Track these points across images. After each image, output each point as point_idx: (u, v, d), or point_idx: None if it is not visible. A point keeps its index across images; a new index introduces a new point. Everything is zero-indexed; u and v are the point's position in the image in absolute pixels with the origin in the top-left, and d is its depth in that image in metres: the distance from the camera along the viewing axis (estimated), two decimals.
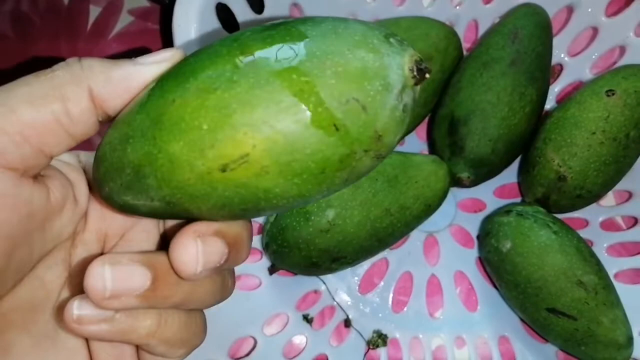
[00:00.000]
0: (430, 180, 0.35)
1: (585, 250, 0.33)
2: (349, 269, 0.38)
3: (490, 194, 0.41)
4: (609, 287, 0.32)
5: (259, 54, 0.15)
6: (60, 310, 0.19)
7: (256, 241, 0.37)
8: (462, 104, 0.36)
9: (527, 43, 0.37)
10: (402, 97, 0.15)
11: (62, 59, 0.17)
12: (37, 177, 0.17)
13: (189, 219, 0.17)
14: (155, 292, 0.16)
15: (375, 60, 0.15)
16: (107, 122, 0.18)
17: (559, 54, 0.41)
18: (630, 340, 0.32)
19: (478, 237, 0.40)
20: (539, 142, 0.36)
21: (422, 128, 0.42)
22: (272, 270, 0.37)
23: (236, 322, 0.36)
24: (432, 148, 0.40)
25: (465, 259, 0.40)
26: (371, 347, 0.37)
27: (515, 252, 0.34)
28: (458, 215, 0.41)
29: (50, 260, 0.19)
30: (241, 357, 0.36)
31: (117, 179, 0.17)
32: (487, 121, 0.35)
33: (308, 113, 0.14)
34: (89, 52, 0.46)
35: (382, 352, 0.37)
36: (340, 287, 0.39)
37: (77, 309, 0.16)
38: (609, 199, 0.39)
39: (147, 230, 0.21)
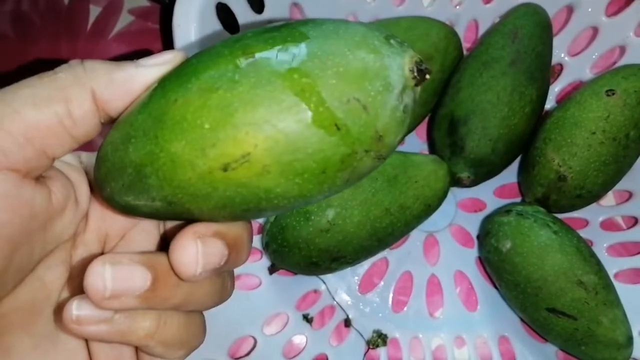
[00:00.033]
0: (430, 180, 0.35)
1: (585, 250, 0.33)
2: (349, 268, 0.38)
3: (490, 194, 0.41)
4: (608, 287, 0.32)
5: (260, 54, 0.15)
6: (59, 310, 0.19)
7: (256, 241, 0.37)
8: (462, 104, 0.36)
9: (527, 43, 0.37)
10: (403, 98, 0.15)
11: (63, 60, 0.17)
12: (38, 178, 0.17)
13: (190, 219, 0.17)
14: (155, 292, 0.16)
15: (376, 61, 0.15)
16: (109, 123, 0.18)
17: (559, 54, 0.41)
18: (630, 340, 0.32)
19: (478, 236, 0.40)
20: (539, 142, 0.36)
21: (422, 128, 0.42)
22: (272, 269, 0.37)
23: (236, 322, 0.36)
24: (432, 148, 0.40)
25: (465, 259, 0.40)
26: (371, 346, 0.37)
27: (515, 251, 0.34)
28: (458, 215, 0.41)
29: (50, 260, 0.19)
30: (241, 357, 0.36)
31: (119, 179, 0.17)
32: (487, 121, 0.35)
33: (309, 112, 0.14)
34: (89, 51, 0.46)
35: (382, 351, 0.37)
36: (340, 286, 0.39)
37: (76, 309, 0.16)
38: (609, 199, 0.39)
39: (147, 231, 0.21)
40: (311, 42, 0.15)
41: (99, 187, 0.18)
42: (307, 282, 0.38)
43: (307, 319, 0.37)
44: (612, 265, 0.36)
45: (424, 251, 0.40)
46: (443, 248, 0.40)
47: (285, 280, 0.38)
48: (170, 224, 0.21)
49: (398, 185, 0.33)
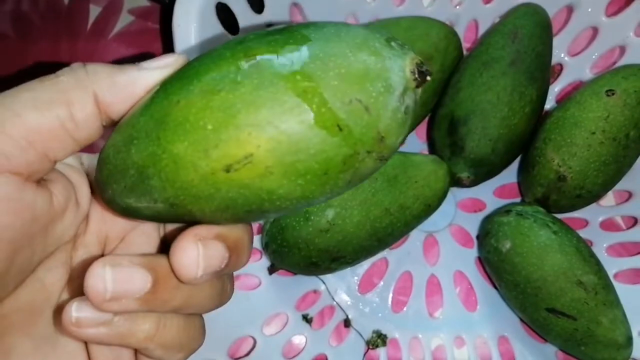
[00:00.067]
0: (430, 180, 0.35)
1: (584, 250, 0.33)
2: (349, 268, 0.38)
3: (490, 194, 0.41)
4: (608, 287, 0.32)
5: (262, 56, 0.15)
6: (59, 312, 0.19)
7: (256, 241, 0.37)
8: (462, 104, 0.36)
9: (527, 43, 0.37)
10: (404, 99, 0.15)
11: (64, 64, 0.17)
12: (39, 181, 0.17)
13: (191, 222, 0.17)
14: (155, 295, 0.16)
15: (377, 63, 0.15)
16: (111, 126, 0.18)
17: (559, 54, 0.41)
18: (629, 340, 0.32)
19: (478, 237, 0.40)
20: (538, 142, 0.36)
21: (422, 128, 0.42)
22: (271, 270, 0.37)
23: (236, 322, 0.36)
24: (432, 148, 0.40)
25: (464, 259, 0.40)
26: (371, 347, 0.37)
27: (514, 252, 0.34)
28: (458, 215, 0.41)
29: (51, 262, 0.19)
30: (241, 357, 0.36)
31: (121, 181, 0.17)
32: (487, 121, 0.35)
33: (312, 113, 0.14)
34: (89, 51, 0.46)
35: (381, 352, 0.37)
36: (340, 286, 0.39)
37: (76, 311, 0.16)
38: (608, 199, 0.39)
39: (147, 234, 0.21)
40: (313, 44, 0.15)
41: (100, 189, 0.18)
42: (307, 282, 0.38)
43: (307, 319, 0.37)
44: (612, 266, 0.36)
45: (424, 251, 0.40)
46: (443, 248, 0.40)
47: (284, 280, 0.38)
48: (171, 227, 0.21)
49: (398, 185, 0.33)
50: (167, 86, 0.16)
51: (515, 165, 0.40)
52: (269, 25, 0.37)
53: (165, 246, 0.21)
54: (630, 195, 0.39)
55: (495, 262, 0.35)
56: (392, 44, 0.16)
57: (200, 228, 0.17)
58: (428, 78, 0.15)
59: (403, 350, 0.37)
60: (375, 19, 0.42)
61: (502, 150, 0.36)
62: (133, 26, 0.47)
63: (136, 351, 0.19)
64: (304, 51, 0.15)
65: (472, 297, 0.39)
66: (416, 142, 0.42)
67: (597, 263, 0.33)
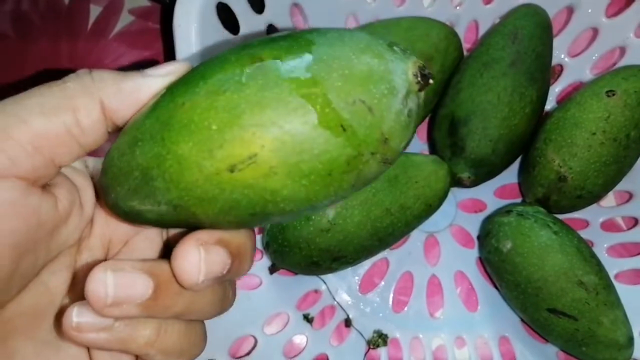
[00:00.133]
0: (431, 180, 0.35)
1: (585, 251, 0.33)
2: (350, 268, 0.38)
3: (491, 194, 0.41)
4: (609, 288, 0.32)
5: (267, 60, 0.15)
6: (60, 317, 0.19)
7: (257, 240, 0.37)
8: (462, 105, 0.36)
9: (528, 43, 0.37)
10: (407, 102, 0.15)
11: (64, 64, 0.17)
12: (45, 186, 0.17)
13: (194, 226, 0.17)
14: (157, 301, 0.16)
15: (380, 65, 0.15)
16: (115, 132, 0.18)
17: (559, 55, 0.41)
18: (630, 340, 0.32)
19: (478, 237, 0.40)
20: (539, 143, 0.36)
21: (423, 128, 0.42)
22: (272, 269, 0.37)
23: (237, 322, 0.36)
24: (433, 148, 0.40)
25: (465, 259, 0.40)
26: (371, 346, 0.37)
27: (515, 252, 0.34)
28: (458, 216, 0.41)
29: (55, 266, 0.19)
30: (241, 357, 0.36)
31: (125, 183, 0.17)
32: (487, 121, 0.35)
33: (315, 114, 0.14)
34: (89, 51, 0.46)
35: (382, 351, 0.37)
36: (341, 286, 0.39)
37: (77, 316, 0.16)
38: (609, 200, 0.39)
39: (150, 239, 0.21)
40: (317, 48, 0.15)
41: (104, 193, 0.18)
42: (308, 282, 0.38)
43: (308, 318, 0.37)
44: (613, 266, 0.36)
45: (425, 251, 0.40)
46: (443, 248, 0.40)
47: (285, 280, 0.38)
48: (174, 231, 0.21)
49: (398, 186, 0.33)
50: (172, 89, 0.17)
51: (515, 165, 0.40)
52: (270, 25, 0.37)
53: (168, 250, 0.21)
54: (630, 195, 0.39)
55: (496, 263, 0.35)
56: (395, 48, 0.16)
57: (202, 233, 0.17)
58: (430, 81, 0.16)
59: (404, 350, 0.37)
60: (376, 20, 0.42)
61: (503, 150, 0.36)
62: (133, 26, 0.47)
63: (137, 357, 0.19)
64: (308, 55, 0.15)
65: (473, 297, 0.39)
66: (417, 143, 0.42)
67: (598, 263, 0.33)
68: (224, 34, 0.33)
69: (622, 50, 0.40)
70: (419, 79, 0.16)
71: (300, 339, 0.37)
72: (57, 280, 0.19)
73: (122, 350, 0.17)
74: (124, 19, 0.47)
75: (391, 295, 0.39)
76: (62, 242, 0.19)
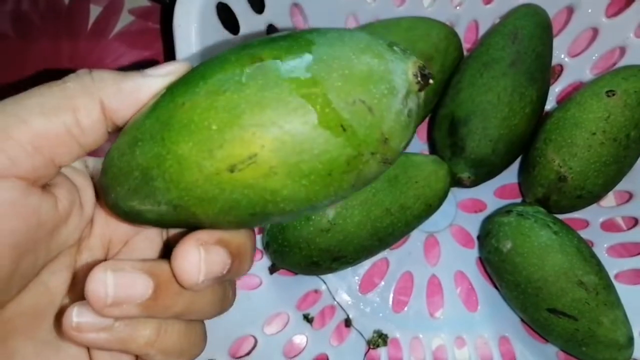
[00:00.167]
0: (431, 180, 0.35)
1: (585, 251, 0.33)
2: (350, 268, 0.38)
3: (491, 194, 0.41)
4: (609, 288, 0.32)
5: (267, 60, 0.15)
6: (60, 317, 0.19)
7: (257, 240, 0.37)
8: (462, 105, 0.36)
9: (528, 43, 0.37)
10: (407, 102, 0.15)
11: (64, 64, 0.17)
12: (45, 186, 0.17)
13: (194, 226, 0.17)
14: (157, 301, 0.16)
15: (380, 65, 0.15)
16: (115, 132, 0.18)
17: (559, 55, 0.41)
18: (630, 340, 0.32)
19: (478, 237, 0.40)
20: (539, 143, 0.36)
21: (423, 128, 0.42)
22: (272, 269, 0.37)
23: (236, 322, 0.36)
24: (433, 148, 0.40)
25: (465, 259, 0.40)
26: (371, 346, 0.37)
27: (515, 252, 0.34)
28: (458, 216, 0.41)
29: (55, 265, 0.19)
30: (241, 357, 0.36)
31: (125, 183, 0.17)
32: (487, 121, 0.35)
33: (315, 114, 0.14)
34: (89, 51, 0.46)
35: (382, 351, 0.37)
36: (341, 286, 0.39)
37: (76, 316, 0.16)
38: (609, 200, 0.39)
39: (150, 239, 0.21)
40: (317, 48, 0.15)
41: (104, 193, 0.18)
42: (308, 282, 0.38)
43: (308, 318, 0.37)
44: (613, 266, 0.36)
45: (425, 251, 0.40)
46: (443, 248, 0.40)
47: (285, 280, 0.38)
48: (174, 231, 0.21)
49: (398, 185, 0.33)
50: (172, 89, 0.17)
51: (515, 165, 0.40)
52: (270, 25, 0.37)
53: (168, 250, 0.21)
54: (630, 196, 0.39)
55: (496, 263, 0.35)
56: (395, 48, 0.16)
57: (202, 233, 0.17)
58: (430, 81, 0.16)
59: (404, 350, 0.37)
60: (376, 20, 0.42)
61: (503, 150, 0.36)
62: (133, 26, 0.47)
63: (137, 357, 0.19)
64: (308, 55, 0.15)
65: (473, 297, 0.39)
66: (417, 143, 0.42)
67: (598, 263, 0.33)
68: (224, 34, 0.33)
69: (622, 50, 0.40)
70: (419, 79, 0.16)
71: (300, 339, 0.37)
72: (57, 280, 0.19)
73: (122, 350, 0.17)
74: (124, 19, 0.47)
75: (391, 295, 0.39)
76: (62, 242, 0.19)
